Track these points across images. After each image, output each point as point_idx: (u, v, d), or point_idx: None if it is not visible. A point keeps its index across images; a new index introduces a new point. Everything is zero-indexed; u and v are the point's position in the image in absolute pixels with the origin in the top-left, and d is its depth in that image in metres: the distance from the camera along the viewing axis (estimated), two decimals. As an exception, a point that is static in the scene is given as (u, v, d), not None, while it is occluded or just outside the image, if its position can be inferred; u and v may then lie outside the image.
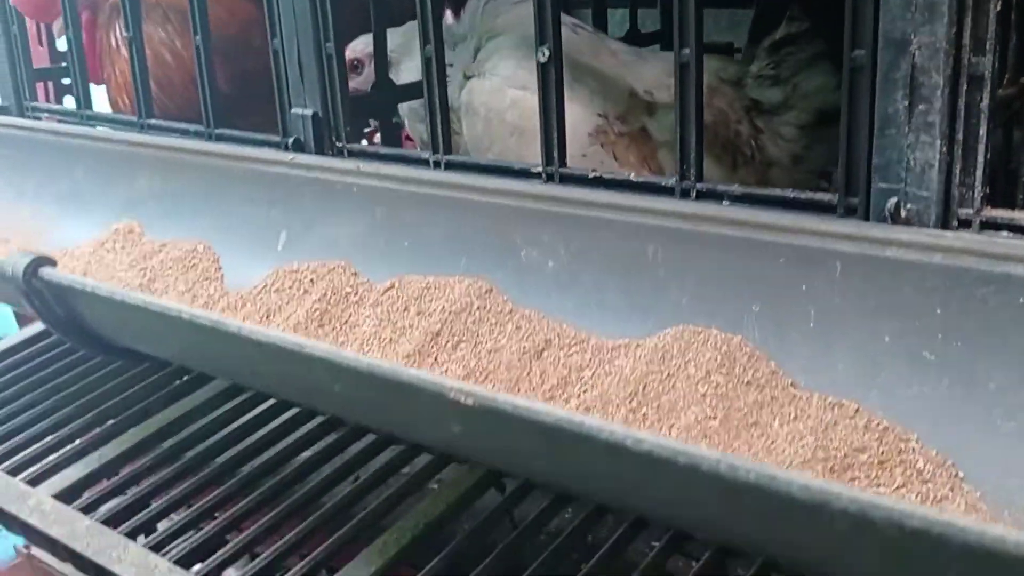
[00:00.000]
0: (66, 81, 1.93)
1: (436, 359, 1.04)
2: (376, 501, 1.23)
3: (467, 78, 1.53)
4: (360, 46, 1.63)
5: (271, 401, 1.53)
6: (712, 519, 0.65)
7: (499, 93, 1.50)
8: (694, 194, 1.04)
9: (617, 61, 1.56)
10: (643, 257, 1.01)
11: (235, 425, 1.46)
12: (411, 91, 1.54)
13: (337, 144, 1.33)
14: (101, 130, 1.57)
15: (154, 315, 0.90)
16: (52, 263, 1.05)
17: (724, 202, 1.02)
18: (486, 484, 1.29)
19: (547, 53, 1.11)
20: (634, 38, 1.95)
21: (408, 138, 1.90)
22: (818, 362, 0.89)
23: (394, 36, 1.63)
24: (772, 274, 0.93)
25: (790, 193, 0.98)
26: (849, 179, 0.94)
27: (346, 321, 1.15)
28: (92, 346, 1.13)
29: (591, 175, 1.11)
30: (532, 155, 1.46)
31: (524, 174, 1.16)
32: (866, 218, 0.93)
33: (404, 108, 1.68)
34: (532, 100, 1.50)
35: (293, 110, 1.34)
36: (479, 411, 0.67)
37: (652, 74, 1.56)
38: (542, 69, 1.12)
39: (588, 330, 1.02)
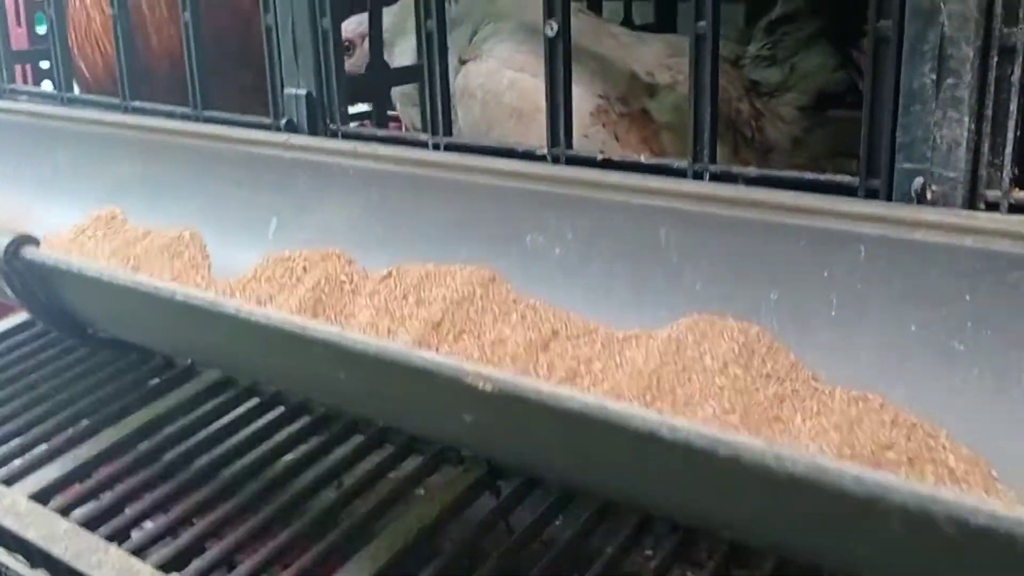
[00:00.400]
0: (45, 65, 1.87)
1: (438, 350, 0.99)
2: (364, 507, 1.19)
3: (463, 62, 1.49)
4: (352, 26, 1.58)
5: (253, 401, 1.47)
6: (749, 518, 0.61)
7: (496, 75, 1.46)
8: (707, 176, 1.00)
9: (618, 43, 1.52)
10: (655, 241, 0.96)
11: (215, 426, 1.40)
12: (407, 74, 1.49)
13: (331, 126, 1.28)
14: (83, 112, 1.51)
15: (144, 297, 0.85)
16: (35, 242, 1.00)
17: (738, 183, 0.98)
18: (481, 487, 1.24)
19: (555, 27, 1.06)
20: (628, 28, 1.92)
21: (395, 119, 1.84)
22: (840, 353, 0.85)
23: (387, 15, 1.58)
24: (791, 259, 0.89)
25: (808, 175, 0.94)
26: (871, 159, 0.90)
27: (341, 311, 1.10)
28: (76, 333, 1.08)
29: (599, 157, 1.06)
30: (532, 139, 1.41)
31: (528, 156, 1.11)
32: (889, 200, 0.89)
33: (396, 92, 1.63)
34: (531, 81, 1.46)
35: (286, 90, 1.29)
36: (498, 398, 0.62)
37: (652, 56, 1.52)
38: (550, 44, 1.07)
39: (597, 319, 0.97)
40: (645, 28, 1.96)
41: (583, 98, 1.41)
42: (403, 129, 1.71)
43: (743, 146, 1.51)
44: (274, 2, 1.26)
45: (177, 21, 1.37)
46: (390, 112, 1.69)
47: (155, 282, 0.85)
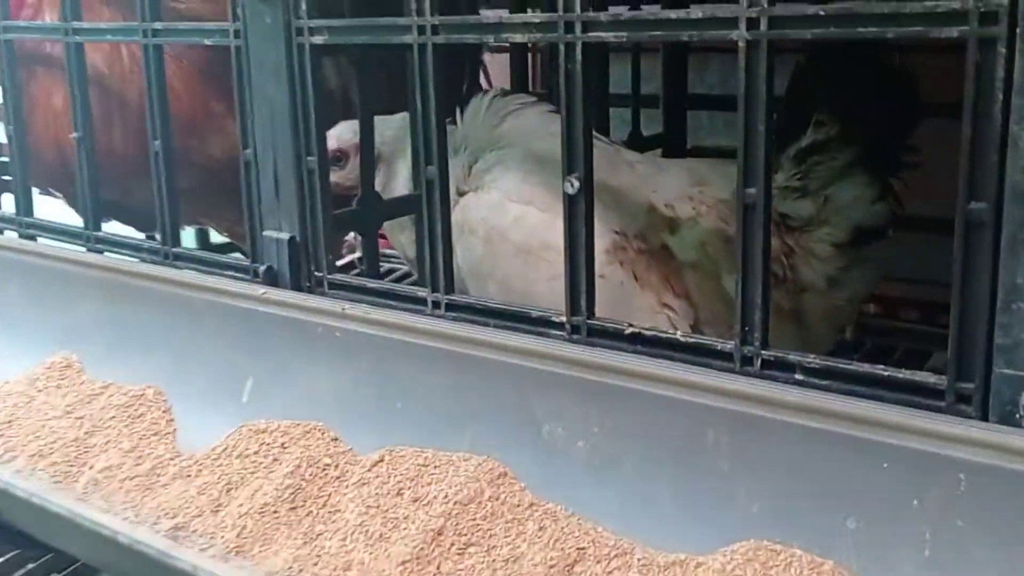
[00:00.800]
0: (7, 178, 1.73)
1: (439, 568, 0.83)
2: None
3: (461, 194, 1.34)
4: (346, 135, 1.42)
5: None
6: None
7: (500, 208, 1.31)
8: (758, 363, 0.85)
9: (634, 173, 1.38)
10: (701, 445, 0.81)
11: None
12: (401, 206, 1.34)
13: (316, 274, 1.13)
14: (42, 244, 1.36)
15: (84, 532, 0.69)
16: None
17: (796, 374, 0.83)
18: None
19: (576, 184, 0.92)
20: (636, 140, 1.81)
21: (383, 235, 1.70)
22: (939, 604, 0.70)
23: (385, 127, 1.42)
24: (872, 481, 0.74)
25: (883, 371, 0.79)
26: (962, 360, 0.76)
27: (324, 503, 0.94)
28: (11, 541, 0.91)
29: (627, 331, 0.91)
30: (540, 280, 1.27)
31: (543, 323, 0.96)
32: (983, 409, 0.74)
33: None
34: (539, 216, 1.32)
35: (266, 233, 1.14)
36: None
37: (673, 186, 1.38)
38: (570, 201, 0.93)
39: (632, 536, 0.81)
40: (654, 139, 1.85)
41: (598, 234, 1.27)
42: (398, 251, 1.56)
43: (773, 285, 1.37)
44: (254, 136, 1.12)
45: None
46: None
47: (95, 515, 0.68)
